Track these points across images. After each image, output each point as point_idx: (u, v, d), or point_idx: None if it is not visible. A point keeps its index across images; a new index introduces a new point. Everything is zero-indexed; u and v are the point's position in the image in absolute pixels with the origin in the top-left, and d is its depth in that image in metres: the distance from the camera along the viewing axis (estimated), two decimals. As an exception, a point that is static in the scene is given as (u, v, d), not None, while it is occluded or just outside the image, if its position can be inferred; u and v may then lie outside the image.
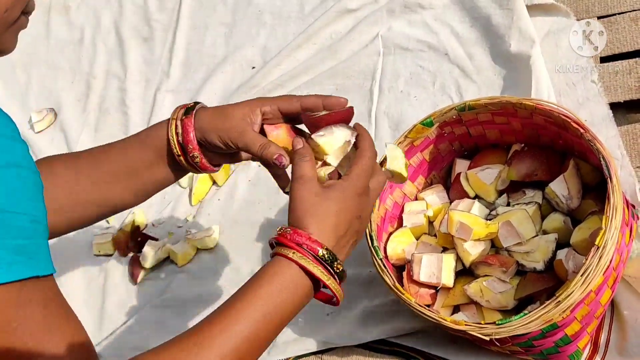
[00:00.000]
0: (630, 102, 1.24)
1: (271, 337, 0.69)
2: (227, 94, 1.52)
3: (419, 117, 1.12)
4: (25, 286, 0.54)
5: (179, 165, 0.88)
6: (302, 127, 0.87)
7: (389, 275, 0.99)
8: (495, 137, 1.15)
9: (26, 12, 0.67)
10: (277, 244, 0.70)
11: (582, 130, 0.96)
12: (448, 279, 1.05)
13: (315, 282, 0.71)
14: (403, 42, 1.45)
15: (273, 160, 0.81)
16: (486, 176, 1.11)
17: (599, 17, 1.33)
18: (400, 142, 1.10)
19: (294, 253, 0.68)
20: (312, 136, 0.79)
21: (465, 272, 1.08)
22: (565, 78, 1.28)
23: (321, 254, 0.69)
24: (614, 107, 1.23)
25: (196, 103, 0.88)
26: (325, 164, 0.79)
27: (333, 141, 0.78)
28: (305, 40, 1.51)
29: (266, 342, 0.68)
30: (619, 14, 1.32)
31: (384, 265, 1.00)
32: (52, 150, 1.53)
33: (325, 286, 0.71)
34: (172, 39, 1.63)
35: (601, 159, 0.93)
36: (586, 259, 0.86)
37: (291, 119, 0.86)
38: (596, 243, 0.86)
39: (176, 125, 0.85)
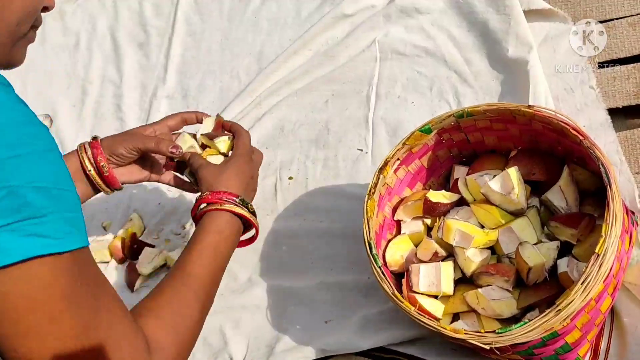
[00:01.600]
0: (629, 108, 1.23)
1: (224, 266, 0.91)
2: (224, 101, 1.51)
3: (417, 123, 1.11)
4: (77, 255, 0.61)
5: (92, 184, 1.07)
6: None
7: (387, 283, 0.98)
8: (494, 143, 1.14)
9: (35, 25, 0.76)
10: (205, 206, 0.93)
11: (580, 137, 0.96)
12: (448, 287, 1.05)
13: (239, 222, 0.95)
14: (400, 47, 1.44)
15: (169, 150, 1.03)
16: (485, 182, 1.11)
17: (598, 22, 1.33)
18: (398, 149, 1.09)
19: (221, 205, 0.91)
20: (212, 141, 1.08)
21: (465, 281, 1.07)
22: (563, 83, 1.28)
23: (239, 200, 0.93)
24: (613, 112, 1.23)
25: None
26: (222, 154, 1.08)
27: (222, 142, 1.08)
28: (301, 46, 1.50)
29: (221, 270, 0.90)
30: (617, 19, 1.32)
31: (382, 273, 0.99)
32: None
33: (247, 221, 0.95)
34: (168, 45, 1.62)
35: (600, 166, 0.92)
36: (586, 267, 0.85)
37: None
38: (596, 251, 0.86)
39: (85, 148, 1.05)
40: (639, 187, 1.14)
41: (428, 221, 1.14)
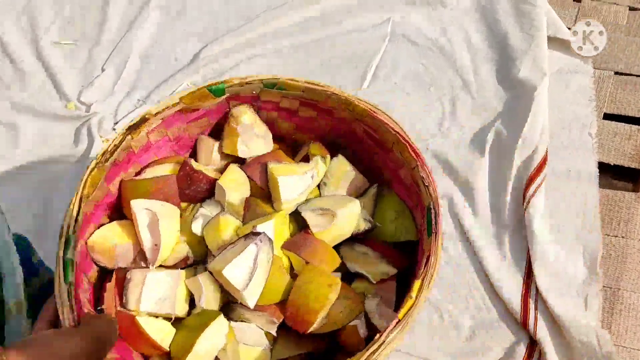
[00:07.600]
0: (619, 168, 1.17)
1: None
2: (218, 31, 1.41)
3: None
4: None
5: None
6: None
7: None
8: (286, 131, 0.91)
9: None
10: None
11: (418, 163, 0.77)
12: (182, 308, 0.77)
13: None
14: (412, 34, 1.36)
15: None
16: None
17: (615, 72, 1.26)
18: (168, 107, 0.81)
19: None
20: None
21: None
22: (562, 121, 1.21)
23: None
24: (602, 167, 1.17)
25: None
26: None
27: None
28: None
29: None
30: (637, 75, 1.25)
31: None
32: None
33: None
34: None
35: (431, 207, 0.74)
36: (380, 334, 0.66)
37: None
38: (399, 317, 0.67)
39: None
40: (605, 248, 1.08)
41: (183, 205, 0.86)
